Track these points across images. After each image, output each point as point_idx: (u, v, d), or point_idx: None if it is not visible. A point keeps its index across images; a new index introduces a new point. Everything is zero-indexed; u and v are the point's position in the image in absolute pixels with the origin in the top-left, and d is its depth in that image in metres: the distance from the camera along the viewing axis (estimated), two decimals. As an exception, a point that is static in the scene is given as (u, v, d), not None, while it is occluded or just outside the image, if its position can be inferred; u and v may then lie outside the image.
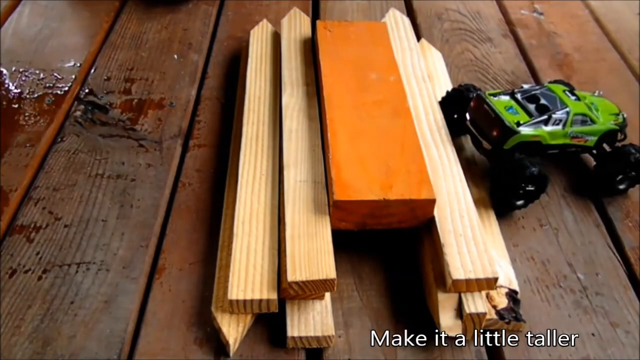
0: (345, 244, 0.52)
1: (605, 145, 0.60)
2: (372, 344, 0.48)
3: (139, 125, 0.67)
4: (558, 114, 0.56)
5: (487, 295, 0.48)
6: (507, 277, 0.51)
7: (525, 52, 0.82)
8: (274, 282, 0.47)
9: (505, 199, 0.56)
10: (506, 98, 0.58)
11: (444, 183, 0.53)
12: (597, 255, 0.56)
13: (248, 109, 0.62)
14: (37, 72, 0.75)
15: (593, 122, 0.58)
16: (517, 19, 0.89)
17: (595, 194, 0.61)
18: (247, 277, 0.47)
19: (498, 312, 0.48)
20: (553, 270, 0.54)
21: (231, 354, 0.46)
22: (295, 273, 0.45)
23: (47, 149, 0.64)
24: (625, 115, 0.61)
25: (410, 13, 0.88)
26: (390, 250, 0.54)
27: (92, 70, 0.75)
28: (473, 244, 0.48)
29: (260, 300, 0.46)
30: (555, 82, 0.65)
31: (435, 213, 0.50)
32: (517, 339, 0.48)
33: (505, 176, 0.55)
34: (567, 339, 0.49)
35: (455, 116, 0.62)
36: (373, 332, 0.48)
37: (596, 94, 0.62)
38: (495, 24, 0.87)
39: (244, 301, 0.46)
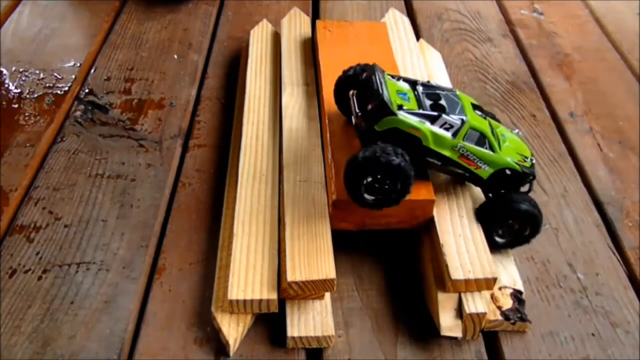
0: (345, 244, 0.52)
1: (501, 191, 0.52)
2: (372, 344, 0.48)
3: (139, 125, 0.67)
4: (451, 118, 0.47)
5: (492, 296, 0.48)
6: (512, 278, 0.51)
7: (525, 52, 0.82)
8: (274, 282, 0.47)
9: (351, 187, 0.47)
10: (405, 85, 0.50)
11: (443, 183, 0.53)
12: (597, 255, 0.56)
13: (248, 109, 0.62)
14: (37, 72, 0.75)
15: (492, 148, 0.49)
16: (517, 19, 0.89)
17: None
18: (247, 277, 0.47)
19: (503, 313, 0.48)
20: (553, 270, 0.54)
21: (231, 354, 0.46)
22: (295, 273, 0.45)
23: (47, 149, 0.64)
24: (534, 162, 0.52)
25: (410, 13, 0.88)
26: (390, 250, 0.55)
27: (92, 70, 0.75)
28: (472, 244, 0.48)
29: (260, 300, 0.46)
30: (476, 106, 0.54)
31: (435, 213, 0.50)
32: (516, 339, 0.48)
33: (358, 159, 0.46)
34: (567, 339, 0.49)
35: (350, 93, 0.53)
36: (373, 331, 0.49)
37: (515, 131, 0.53)
38: (495, 24, 0.87)
39: (244, 301, 0.46)
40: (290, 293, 0.46)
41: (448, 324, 0.47)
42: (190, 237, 0.55)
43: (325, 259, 0.47)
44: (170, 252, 0.54)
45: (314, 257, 0.47)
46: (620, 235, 0.58)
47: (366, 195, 0.47)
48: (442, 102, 0.49)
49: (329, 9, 0.87)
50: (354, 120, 0.50)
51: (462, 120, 0.48)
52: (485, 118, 0.50)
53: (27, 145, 0.64)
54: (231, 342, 0.46)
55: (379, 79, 0.49)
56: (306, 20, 0.74)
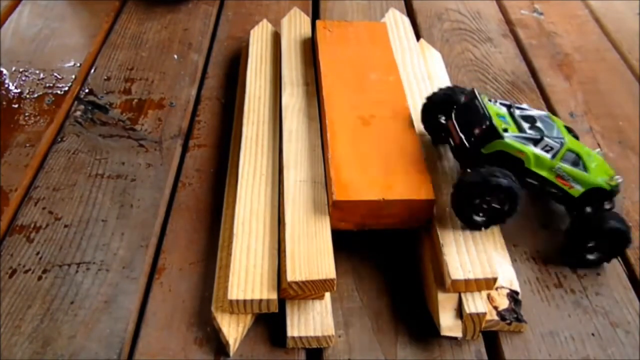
0: (345, 244, 0.52)
1: (587, 208, 0.53)
2: (372, 344, 0.48)
3: (139, 125, 0.67)
4: (551, 140, 0.50)
5: (488, 296, 0.48)
6: (508, 278, 0.51)
7: (525, 52, 0.82)
8: (274, 282, 0.47)
9: (462, 210, 0.49)
10: (502, 108, 0.53)
11: (444, 183, 0.53)
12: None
13: (248, 109, 0.62)
14: (37, 72, 0.75)
15: (585, 169, 0.52)
16: (517, 19, 0.89)
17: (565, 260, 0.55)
18: (247, 277, 0.47)
19: (499, 313, 0.48)
20: (553, 270, 0.54)
21: (231, 354, 0.46)
22: (295, 273, 0.45)
23: (47, 149, 0.64)
24: (620, 181, 0.53)
25: (410, 13, 0.88)
26: (390, 251, 0.54)
27: (92, 70, 0.75)
28: (472, 244, 0.48)
29: (260, 300, 0.46)
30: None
31: (435, 213, 0.50)
32: (516, 339, 0.48)
33: (468, 182, 0.48)
34: (567, 339, 0.49)
35: (443, 120, 0.56)
36: (373, 331, 0.49)
37: (597, 150, 0.56)
38: (495, 24, 0.87)
39: (244, 301, 0.46)
40: (290, 293, 0.46)
41: (448, 324, 0.47)
42: (190, 237, 0.55)
43: (325, 259, 0.47)
44: (170, 252, 0.54)
45: (314, 257, 0.47)
46: (620, 235, 0.57)
47: (475, 217, 0.49)
48: (539, 124, 0.52)
49: (329, 9, 0.87)
50: (452, 142, 0.52)
51: (562, 142, 0.50)
52: (578, 139, 0.54)
53: (27, 145, 0.64)
54: (231, 342, 0.46)
55: (482, 102, 0.51)
56: (306, 20, 0.74)
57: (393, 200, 0.49)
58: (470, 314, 0.46)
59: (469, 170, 0.50)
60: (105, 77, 0.74)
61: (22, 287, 0.50)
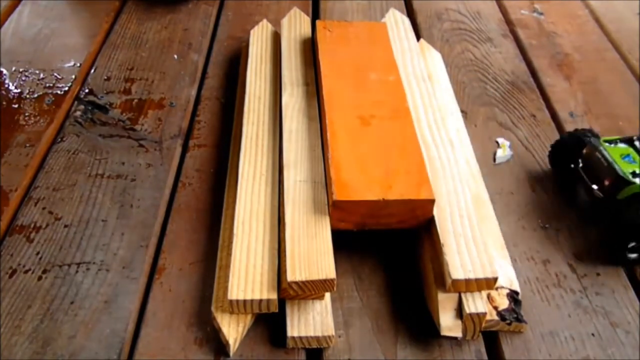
0: (346, 244, 0.52)
1: None
2: (372, 344, 0.48)
3: (139, 125, 0.67)
4: None
5: (488, 296, 0.48)
6: (508, 278, 0.51)
7: (525, 52, 0.82)
8: (274, 282, 0.47)
9: (617, 253, 0.54)
10: (624, 145, 0.55)
11: (444, 183, 0.53)
12: (597, 255, 0.56)
13: (248, 109, 0.62)
14: (37, 72, 0.75)
15: None
16: (517, 19, 0.89)
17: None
18: (247, 277, 0.47)
19: (499, 313, 0.48)
20: (553, 270, 0.54)
21: (231, 354, 0.46)
22: (295, 273, 0.45)
23: (47, 149, 0.64)
24: None
25: (410, 13, 0.88)
26: (390, 250, 0.54)
27: (92, 70, 0.75)
28: (473, 244, 0.48)
29: (260, 300, 0.46)
30: None
31: (435, 213, 0.50)
32: (516, 339, 0.48)
33: (619, 229, 0.52)
34: (567, 339, 0.49)
35: (572, 165, 0.59)
36: (373, 331, 0.49)
37: None
38: (495, 24, 0.87)
39: (244, 301, 0.46)
40: (290, 293, 0.46)
41: (448, 324, 0.47)
42: (190, 237, 0.55)
43: (325, 259, 0.47)
44: (170, 252, 0.54)
45: (313, 257, 0.47)
46: (620, 235, 0.57)
47: (630, 255, 0.53)
48: None
49: (329, 9, 0.87)
50: (585, 188, 0.56)
51: None
52: None
53: (27, 145, 0.64)
54: (231, 342, 0.46)
55: (604, 153, 0.54)
56: (306, 20, 0.74)
57: (393, 200, 0.49)
58: (470, 314, 0.46)
59: (615, 214, 0.53)
60: (105, 77, 0.74)
61: (22, 287, 0.50)
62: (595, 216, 0.57)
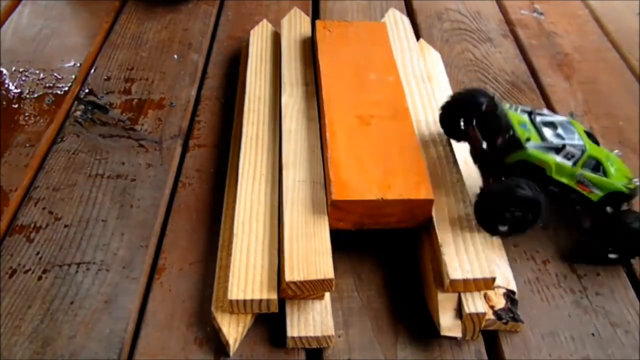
0: (345, 243, 0.52)
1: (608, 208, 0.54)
2: (372, 344, 0.48)
3: (139, 125, 0.67)
4: (572, 148, 0.50)
5: (485, 296, 0.48)
6: (505, 278, 0.51)
7: (525, 52, 0.82)
8: (274, 282, 0.47)
9: (486, 220, 0.50)
10: (524, 115, 0.53)
11: (443, 183, 0.53)
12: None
13: (248, 109, 0.62)
14: (37, 72, 0.75)
15: (605, 174, 0.51)
16: (517, 19, 0.89)
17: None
18: (247, 277, 0.47)
19: (496, 313, 0.48)
20: (553, 270, 0.54)
21: (231, 354, 0.46)
22: (293, 273, 0.45)
23: (47, 149, 0.64)
24: (638, 183, 0.53)
25: (410, 13, 0.88)
26: (390, 250, 0.54)
27: (92, 70, 0.75)
28: (471, 244, 0.48)
29: (260, 300, 0.46)
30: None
31: (434, 213, 0.50)
32: (516, 339, 0.48)
33: (493, 193, 0.49)
34: (567, 339, 0.49)
35: (462, 123, 0.56)
36: (373, 331, 0.49)
37: (615, 152, 0.55)
38: (495, 24, 0.87)
39: (244, 301, 0.46)
40: (288, 293, 0.46)
41: (448, 324, 0.47)
42: (190, 237, 0.55)
43: (324, 259, 0.47)
44: (170, 252, 0.54)
45: (312, 257, 0.47)
46: (620, 235, 0.57)
47: (499, 227, 0.50)
48: (560, 131, 0.52)
49: (329, 9, 0.87)
50: (472, 147, 0.54)
51: (582, 149, 0.50)
52: (598, 145, 0.54)
53: (27, 145, 0.64)
54: (231, 342, 0.46)
55: (504, 111, 0.52)
56: (306, 20, 0.74)
57: (392, 199, 0.49)
58: (470, 314, 0.46)
59: (492, 180, 0.51)
60: (105, 77, 0.74)
61: (22, 287, 0.50)
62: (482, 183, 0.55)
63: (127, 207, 0.57)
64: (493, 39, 0.84)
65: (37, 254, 0.53)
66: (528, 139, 0.50)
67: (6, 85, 0.72)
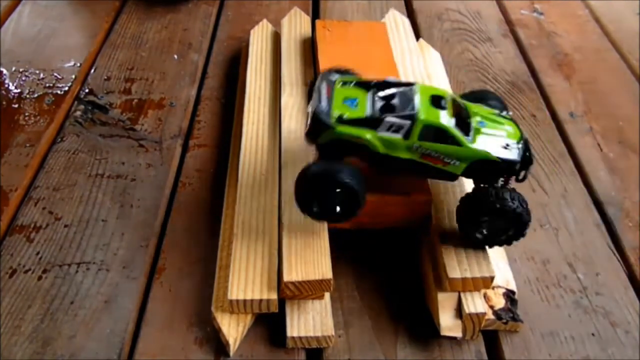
0: (345, 243, 0.52)
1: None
2: (372, 344, 0.48)
3: (139, 125, 0.67)
4: (396, 119, 0.43)
5: (485, 296, 0.48)
6: (505, 278, 0.51)
7: (525, 52, 0.82)
8: (274, 282, 0.47)
9: (301, 201, 0.46)
10: (358, 89, 0.47)
11: (442, 183, 0.53)
12: (597, 255, 0.56)
13: (248, 109, 0.62)
14: (37, 72, 0.75)
15: (457, 142, 0.44)
16: (517, 19, 0.89)
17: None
18: (247, 277, 0.47)
19: (495, 313, 0.48)
20: (553, 270, 0.54)
21: (231, 354, 0.46)
22: (292, 273, 0.45)
23: (47, 149, 0.64)
24: (523, 147, 0.45)
25: (410, 13, 0.88)
26: (390, 250, 0.54)
27: (92, 70, 0.75)
28: (470, 243, 0.48)
29: (260, 300, 0.46)
30: (478, 92, 0.51)
31: (433, 213, 0.50)
32: (517, 339, 0.48)
33: (306, 176, 0.45)
34: (567, 339, 0.49)
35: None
36: (373, 331, 0.49)
37: (504, 113, 0.48)
38: (495, 24, 0.87)
39: (244, 301, 0.46)
40: (287, 293, 0.46)
41: (448, 324, 0.47)
42: (190, 237, 0.55)
43: (322, 259, 0.47)
44: (170, 252, 0.54)
45: (310, 258, 0.47)
46: (620, 235, 0.58)
47: (314, 208, 0.46)
48: (395, 101, 0.45)
49: (329, 9, 0.87)
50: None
51: (412, 118, 0.43)
52: (457, 107, 0.46)
53: (27, 145, 0.64)
54: (231, 342, 0.46)
55: (320, 88, 0.46)
56: (306, 20, 0.74)
57: (391, 199, 0.49)
58: (470, 314, 0.46)
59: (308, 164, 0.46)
60: (105, 77, 0.74)
61: (22, 287, 0.50)
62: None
63: (127, 207, 0.57)
64: (493, 39, 0.84)
65: (37, 254, 0.53)
66: (340, 117, 0.44)
67: (6, 85, 0.72)
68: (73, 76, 0.74)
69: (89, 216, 0.56)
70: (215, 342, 0.47)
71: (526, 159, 0.45)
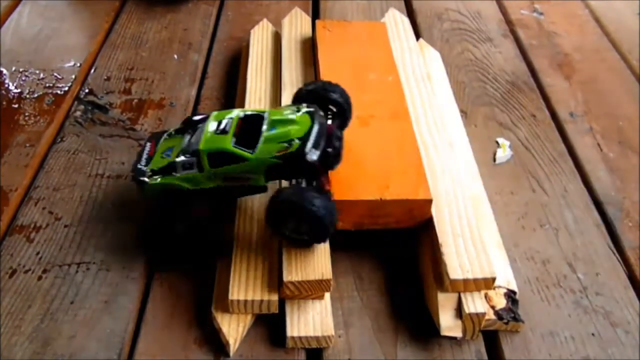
0: (346, 243, 0.52)
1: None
2: (372, 344, 0.48)
3: (139, 125, 0.67)
4: (183, 157, 0.46)
5: (486, 296, 0.48)
6: (506, 278, 0.51)
7: (525, 52, 0.82)
8: (274, 282, 0.47)
9: (274, 227, 0.46)
10: (179, 135, 0.50)
11: (442, 183, 0.53)
12: (597, 255, 0.56)
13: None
14: (37, 72, 0.75)
15: (243, 158, 0.45)
16: (517, 19, 0.89)
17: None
18: (247, 277, 0.47)
19: (496, 313, 0.48)
20: (553, 270, 0.54)
21: (231, 354, 0.46)
22: (292, 273, 0.45)
23: (47, 149, 0.64)
24: (299, 142, 0.44)
25: (410, 13, 0.88)
26: (390, 250, 0.54)
27: (92, 70, 0.75)
28: (471, 244, 0.48)
29: (261, 301, 0.46)
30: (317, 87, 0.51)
31: (434, 213, 0.50)
32: (517, 339, 0.48)
33: (276, 202, 0.45)
34: (567, 339, 0.49)
35: None
36: (373, 331, 0.49)
37: (304, 108, 0.48)
38: (495, 24, 0.87)
39: (244, 301, 0.46)
40: (287, 293, 0.46)
41: (448, 324, 0.47)
42: (190, 237, 0.55)
43: (322, 259, 0.47)
44: (170, 252, 0.54)
45: (310, 258, 0.47)
46: (620, 235, 0.58)
47: (285, 232, 0.46)
48: (193, 139, 0.47)
49: (329, 9, 0.87)
50: None
51: (195, 152, 0.46)
52: (246, 122, 0.47)
53: (27, 145, 0.64)
54: (231, 342, 0.46)
55: (145, 147, 0.51)
56: (307, 20, 0.74)
57: (391, 200, 0.49)
58: (470, 314, 0.46)
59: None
60: (105, 77, 0.74)
61: (22, 287, 0.50)
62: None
63: (127, 207, 0.57)
64: (493, 39, 0.84)
65: (37, 254, 0.53)
66: (153, 170, 0.48)
67: (6, 85, 0.72)
68: (73, 76, 0.74)
69: (89, 216, 0.56)
70: (215, 342, 0.47)
71: (304, 154, 0.44)
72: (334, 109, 0.51)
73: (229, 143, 0.45)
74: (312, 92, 0.51)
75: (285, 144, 0.44)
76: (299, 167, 0.44)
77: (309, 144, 0.44)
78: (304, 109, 0.47)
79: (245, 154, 0.45)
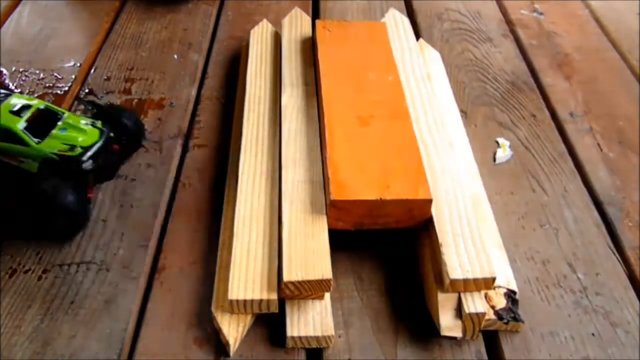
0: (346, 243, 0.52)
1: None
2: (372, 344, 0.48)
3: (139, 126, 0.67)
4: None
5: (486, 296, 0.48)
6: (506, 278, 0.51)
7: (525, 52, 0.82)
8: (274, 282, 0.47)
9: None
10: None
11: (442, 183, 0.53)
12: (597, 255, 0.56)
13: (248, 109, 0.62)
14: (37, 72, 0.75)
15: (24, 143, 0.52)
16: (517, 19, 0.89)
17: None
18: (247, 277, 0.47)
19: (496, 313, 0.48)
20: (553, 270, 0.54)
21: (231, 354, 0.46)
22: (292, 273, 0.45)
23: (47, 149, 0.64)
24: (82, 149, 0.52)
25: (410, 13, 0.88)
26: (390, 250, 0.54)
27: (92, 70, 0.75)
28: (471, 243, 0.48)
29: (261, 301, 0.46)
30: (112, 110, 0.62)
31: (434, 213, 0.50)
32: (517, 339, 0.48)
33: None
34: (567, 339, 0.49)
35: None
36: (373, 331, 0.49)
37: (99, 123, 0.56)
38: (495, 24, 0.87)
39: (244, 301, 0.46)
40: (287, 293, 0.46)
41: (448, 324, 0.47)
42: (190, 237, 0.55)
43: (322, 259, 0.47)
44: (170, 252, 0.54)
45: (310, 258, 0.47)
46: (620, 235, 0.58)
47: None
48: None
49: (329, 9, 0.87)
50: None
51: None
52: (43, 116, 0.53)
53: (27, 145, 0.64)
54: (231, 342, 0.46)
55: None
56: (307, 20, 0.74)
57: (391, 200, 0.49)
58: (470, 314, 0.46)
59: None
60: (105, 77, 0.74)
61: (22, 287, 0.50)
62: None
63: (127, 207, 0.57)
64: (493, 39, 0.84)
65: (37, 254, 0.53)
66: None
67: (6, 85, 0.72)
68: (73, 76, 0.74)
69: (88, 216, 0.56)
70: (215, 342, 0.47)
71: (100, 168, 0.54)
72: (125, 135, 0.59)
73: (16, 125, 0.52)
74: (108, 115, 0.59)
75: (69, 147, 0.52)
76: (72, 170, 0.52)
77: (88, 155, 0.52)
78: (98, 125, 0.55)
79: (29, 140, 0.52)
